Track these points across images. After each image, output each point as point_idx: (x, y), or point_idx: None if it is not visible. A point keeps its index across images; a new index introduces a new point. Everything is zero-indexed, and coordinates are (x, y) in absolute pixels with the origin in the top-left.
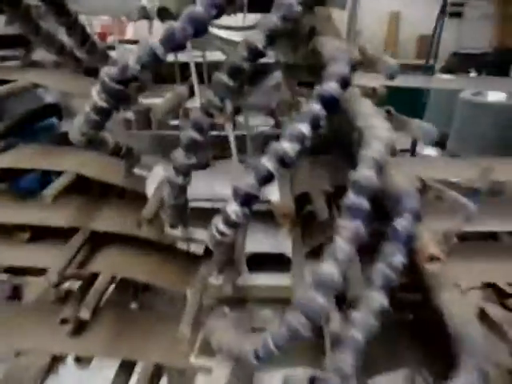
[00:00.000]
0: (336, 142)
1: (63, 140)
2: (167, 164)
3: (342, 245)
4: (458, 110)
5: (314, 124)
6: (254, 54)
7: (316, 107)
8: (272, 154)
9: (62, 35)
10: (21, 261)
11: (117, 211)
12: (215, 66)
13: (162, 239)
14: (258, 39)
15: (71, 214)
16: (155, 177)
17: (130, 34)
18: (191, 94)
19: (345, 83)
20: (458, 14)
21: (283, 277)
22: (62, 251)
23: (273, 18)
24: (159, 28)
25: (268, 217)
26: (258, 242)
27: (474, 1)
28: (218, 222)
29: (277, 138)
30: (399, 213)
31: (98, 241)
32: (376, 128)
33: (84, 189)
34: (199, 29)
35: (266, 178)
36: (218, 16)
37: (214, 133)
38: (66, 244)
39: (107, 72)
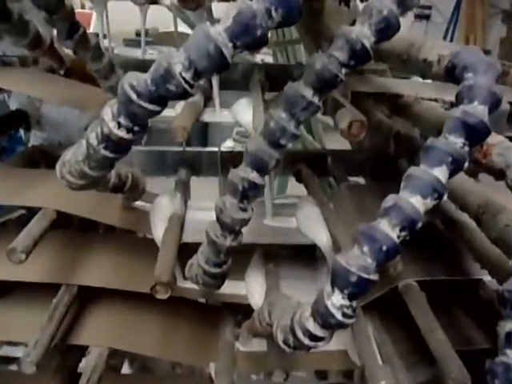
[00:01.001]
0: (385, 162)
1: (33, 158)
2: (173, 192)
3: None
4: None
5: (456, 166)
6: (358, 55)
7: (456, 141)
8: (393, 213)
9: (40, 22)
10: None
11: (107, 254)
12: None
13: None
14: (364, 34)
15: (49, 264)
16: (160, 209)
17: (93, 27)
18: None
19: (495, 104)
20: (427, 17)
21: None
22: (40, 317)
23: (386, 2)
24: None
25: (307, 262)
26: (296, 293)
27: (441, 5)
28: (306, 321)
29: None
30: None
31: (85, 293)
32: None
33: (63, 222)
34: (292, 12)
35: (388, 256)
36: None
37: None
38: (40, 300)
39: (133, 83)
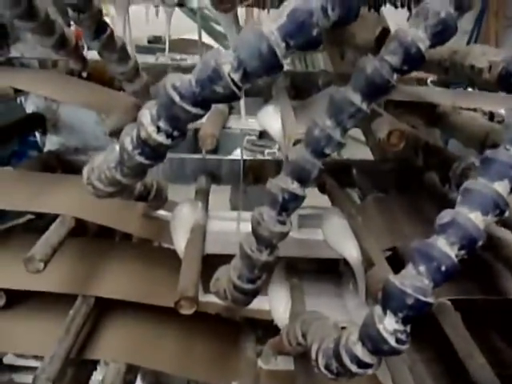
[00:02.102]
0: (410, 174)
1: (49, 163)
2: (194, 201)
3: None
4: None
5: None
6: (413, 59)
7: None
8: (451, 230)
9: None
10: None
11: (125, 264)
12: None
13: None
14: (420, 37)
15: (66, 274)
16: (181, 218)
17: None
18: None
19: None
20: None
21: None
22: (57, 329)
23: (444, 3)
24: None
25: (330, 276)
26: (320, 309)
27: None
28: (353, 346)
29: None
30: None
31: (102, 303)
32: None
33: (79, 229)
34: (350, 12)
35: (447, 277)
36: None
37: None
38: (55, 309)
39: (176, 84)
